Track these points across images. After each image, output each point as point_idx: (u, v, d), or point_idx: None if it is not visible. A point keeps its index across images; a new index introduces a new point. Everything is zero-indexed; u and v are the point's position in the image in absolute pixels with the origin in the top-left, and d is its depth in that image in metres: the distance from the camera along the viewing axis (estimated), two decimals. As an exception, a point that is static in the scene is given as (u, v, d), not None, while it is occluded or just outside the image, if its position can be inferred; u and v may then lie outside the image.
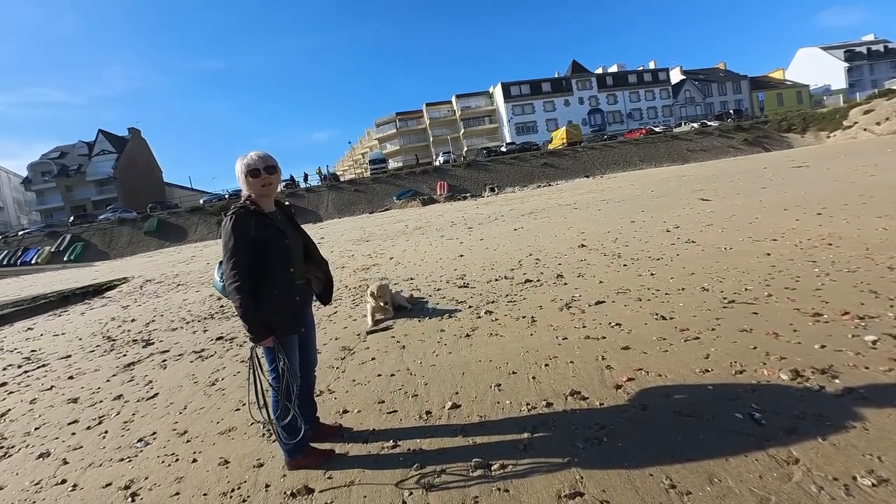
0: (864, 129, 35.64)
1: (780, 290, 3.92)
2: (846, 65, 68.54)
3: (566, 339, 3.54)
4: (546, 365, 3.12)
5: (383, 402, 3.01)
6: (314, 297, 2.63)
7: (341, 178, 47.01)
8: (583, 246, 7.57)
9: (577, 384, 2.78)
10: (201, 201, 42.72)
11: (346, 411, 2.97)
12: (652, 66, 70.25)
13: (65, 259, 35.01)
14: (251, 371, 2.30)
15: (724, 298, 3.91)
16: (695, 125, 48.81)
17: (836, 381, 2.40)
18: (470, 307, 4.97)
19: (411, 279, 7.26)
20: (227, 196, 42.88)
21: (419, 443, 2.45)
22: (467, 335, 4.04)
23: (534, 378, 2.96)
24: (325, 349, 4.38)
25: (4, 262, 36.24)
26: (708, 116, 59.09)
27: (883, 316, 3.11)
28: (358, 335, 4.66)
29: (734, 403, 2.33)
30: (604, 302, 4.33)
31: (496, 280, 6.10)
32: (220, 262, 2.30)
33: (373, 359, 3.87)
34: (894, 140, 25.99)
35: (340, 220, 32.93)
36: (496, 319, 4.35)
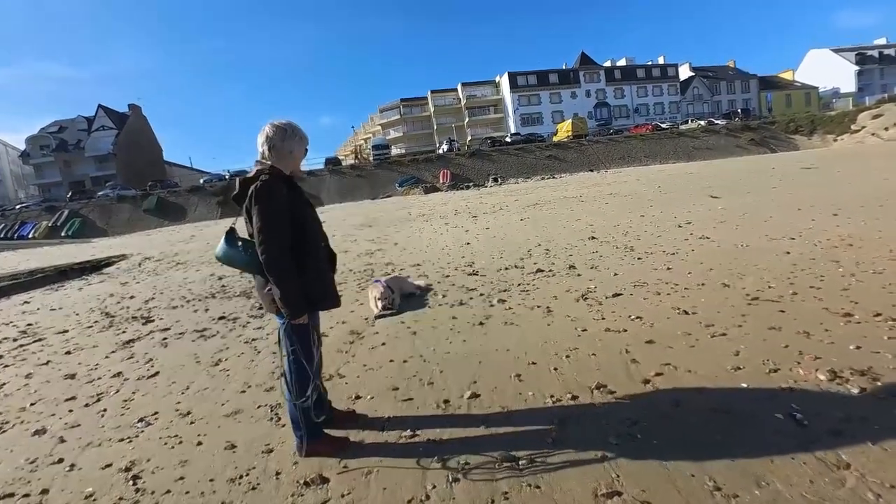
0: (872, 134, 35.37)
1: (805, 289, 3.79)
2: (857, 68, 67.84)
3: (586, 330, 3.42)
4: (567, 356, 3.00)
5: (398, 388, 2.89)
6: None
7: (342, 163, 46.57)
8: (593, 238, 7.43)
9: (602, 377, 2.66)
10: (201, 181, 42.36)
11: (358, 397, 2.85)
12: (661, 61, 69.54)
13: (62, 234, 34.75)
14: (287, 349, 2.16)
15: (748, 295, 3.78)
16: (702, 123, 48.40)
17: (878, 383, 2.28)
18: (482, 295, 4.84)
19: (418, 265, 7.12)
20: (227, 177, 42.49)
21: (439, 433, 2.33)
22: (481, 323, 3.91)
23: (556, 370, 2.84)
24: (333, 332, 4.26)
25: (1, 236, 35.95)
26: (715, 115, 58.53)
27: (918, 318, 2.99)
28: (366, 319, 4.54)
29: (772, 403, 2.21)
30: (621, 294, 4.21)
31: (506, 269, 5.96)
32: (227, 233, 2.16)
33: (383, 344, 3.75)
34: (903, 145, 25.77)
35: (342, 204, 32.69)
36: (510, 308, 4.22)
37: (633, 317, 3.58)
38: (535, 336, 3.45)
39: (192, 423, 2.85)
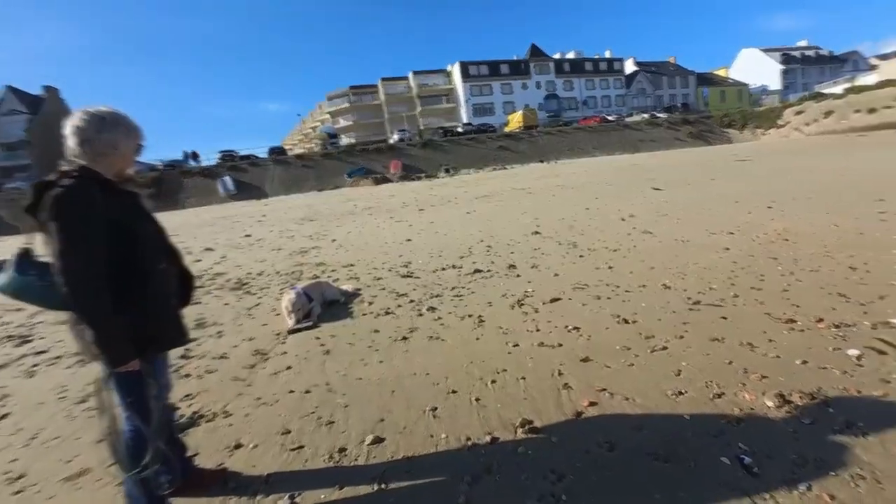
0: (796, 129, 37.96)
1: (746, 291, 3.61)
2: (782, 67, 72.83)
3: (517, 346, 3.03)
4: (493, 382, 2.59)
5: (289, 432, 2.37)
6: None
7: (288, 153, 44.47)
8: (537, 233, 7.14)
9: (529, 409, 2.27)
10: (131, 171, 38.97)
11: (239, 446, 2.31)
12: (608, 55, 71.39)
13: (-35, 231, 30.89)
14: (109, 406, 1.61)
15: (689, 299, 3.55)
16: (645, 116, 50.22)
17: (830, 409, 2.02)
18: (411, 301, 4.37)
19: (351, 266, 6.55)
20: (161, 167, 39.39)
21: (324, 495, 1.85)
22: (404, 338, 3.44)
23: (478, 400, 2.42)
24: (234, 353, 3.65)
25: None
26: (657, 108, 60.99)
27: (859, 324, 2.82)
28: (277, 335, 3.95)
29: (718, 441, 1.89)
30: (559, 299, 3.87)
31: (443, 269, 5.53)
32: (19, 256, 1.56)
33: (288, 368, 3.20)
34: (822, 140, 27.74)
35: (287, 197, 31.12)
36: (439, 318, 3.78)
37: (569, 327, 3.24)
38: (461, 354, 3.02)
39: (18, 491, 2.20)
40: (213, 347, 3.87)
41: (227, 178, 35.56)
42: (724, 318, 3.13)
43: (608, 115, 55.79)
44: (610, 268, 4.68)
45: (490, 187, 18.12)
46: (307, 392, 2.79)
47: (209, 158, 41.35)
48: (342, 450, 2.15)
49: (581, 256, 5.30)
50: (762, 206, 7.30)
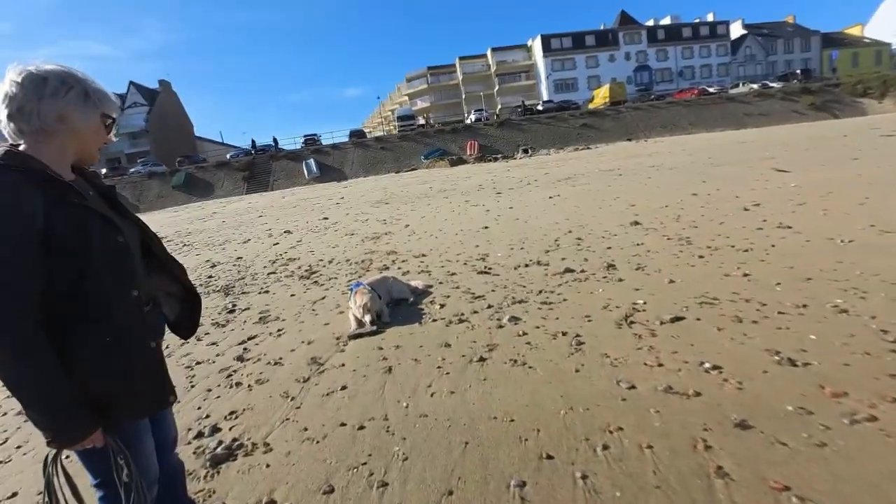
0: (959, 94, 31.04)
1: (978, 322, 2.47)
2: (939, 19, 60.04)
3: (634, 388, 2.25)
4: (605, 447, 1.86)
5: (332, 490, 1.85)
6: (164, 326, 1.46)
7: (367, 135, 45.43)
8: (636, 224, 6.09)
9: (666, 508, 1.52)
10: (228, 156, 42.26)
11: (272, 502, 1.83)
12: (710, 18, 63.65)
13: (97, 210, 35.50)
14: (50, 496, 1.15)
15: (885, 332, 2.49)
16: (754, 86, 44.04)
17: None
18: (489, 307, 3.71)
19: (423, 256, 6.03)
20: (252, 151, 42.26)
21: None
22: (481, 359, 2.80)
23: (584, 479, 1.71)
24: (291, 359, 3.26)
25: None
26: (770, 77, 53.33)
27: None
28: (337, 339, 3.51)
29: None
30: (683, 318, 2.97)
31: (526, 266, 4.78)
32: None
33: (343, 388, 2.71)
34: None
35: (366, 178, 31.75)
36: (524, 334, 3.08)
37: (706, 365, 2.37)
38: (555, 393, 2.31)
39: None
40: (271, 349, 3.53)
41: (311, 161, 37.17)
42: (961, 368, 2.09)
43: (708, 86, 49.89)
44: (745, 276, 3.63)
45: (573, 168, 16.74)
46: (361, 428, 2.26)
47: (295, 143, 43.49)
48: (395, 538, 1.57)
49: (700, 257, 4.26)
50: (948, 192, 5.58)
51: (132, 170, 42.21)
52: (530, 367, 2.59)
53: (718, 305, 3.11)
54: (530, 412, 2.17)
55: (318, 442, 2.20)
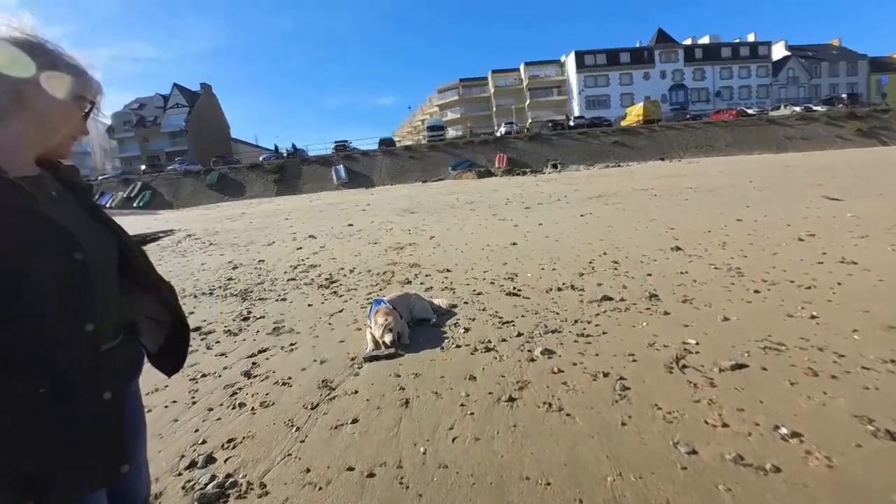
0: None
1: None
2: None
3: (695, 454, 1.88)
4: (665, 535, 1.51)
5: (332, 557, 1.55)
6: (143, 359, 1.19)
7: (397, 144, 45.79)
8: (678, 249, 5.66)
9: None
10: (260, 158, 43.22)
11: (260, 566, 1.55)
12: (751, 38, 62.09)
13: (134, 205, 36.72)
14: None
15: None
16: (797, 109, 42.43)
17: None
18: (520, 335, 3.38)
19: (447, 272, 5.74)
20: (285, 154, 43.17)
21: None
22: (511, 399, 2.47)
23: (643, 579, 1.37)
24: (300, 380, 3.01)
25: (83, 204, 38.74)
26: (813, 100, 51.36)
27: None
28: (352, 361, 3.24)
29: None
30: (746, 366, 2.58)
31: (559, 289, 4.43)
32: None
33: (354, 421, 2.42)
34: None
35: (393, 186, 31.85)
36: (559, 370, 2.74)
37: (783, 430, 1.98)
38: (598, 452, 1.96)
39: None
40: (281, 366, 3.29)
41: (340, 167, 37.64)
42: None
43: (747, 107, 48.35)
44: (813, 317, 3.19)
45: (604, 186, 16.25)
46: (370, 476, 1.96)
47: (326, 148, 44.23)
48: None
49: (756, 292, 3.83)
50: None
51: (169, 167, 43.62)
52: (568, 415, 2.25)
53: (786, 353, 2.70)
54: (570, 474, 1.83)
55: (320, 489, 1.92)
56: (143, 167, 46.02)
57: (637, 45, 60.55)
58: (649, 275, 4.64)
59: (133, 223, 20.42)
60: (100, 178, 44.98)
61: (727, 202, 9.65)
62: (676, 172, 19.56)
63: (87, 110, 1.01)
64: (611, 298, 3.97)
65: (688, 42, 62.28)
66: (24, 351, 0.82)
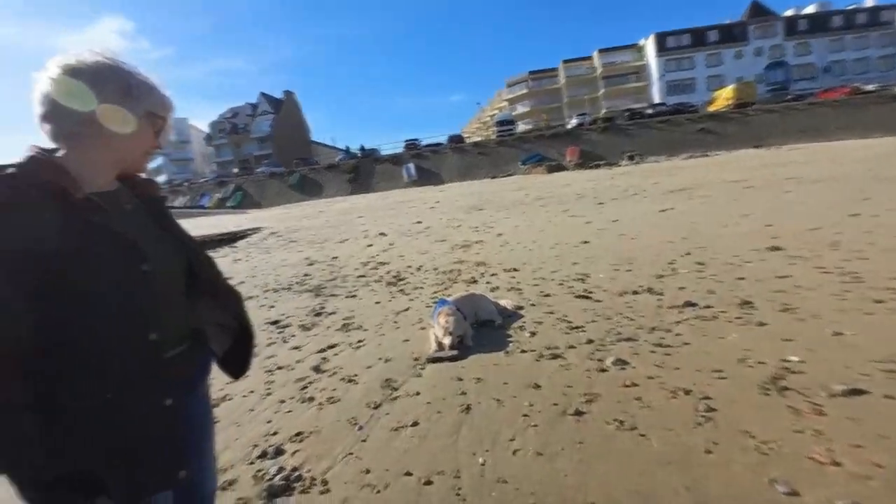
0: None
1: None
2: None
3: (797, 496, 1.62)
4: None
5: (387, 568, 1.54)
6: (210, 364, 1.23)
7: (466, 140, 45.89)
8: (777, 248, 5.03)
9: None
10: (336, 159, 45.56)
11: (319, 568, 1.57)
12: (869, 2, 53.98)
13: (227, 205, 40.38)
14: None
15: None
16: (932, 82, 36.28)
17: None
18: (590, 342, 3.18)
19: (514, 271, 5.60)
20: (359, 154, 45.10)
21: None
22: (577, 413, 2.31)
23: None
24: (365, 377, 3.07)
25: (187, 206, 43.33)
26: (954, 70, 43.53)
27: None
28: (416, 361, 3.25)
29: None
30: (865, 393, 2.19)
31: (634, 293, 4.12)
32: None
33: (414, 423, 2.41)
34: None
35: (461, 183, 31.99)
36: (633, 384, 2.52)
37: (916, 474, 1.65)
38: (675, 482, 1.76)
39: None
40: (348, 362, 3.38)
41: (411, 165, 38.53)
42: None
43: (864, 83, 42.12)
44: (955, 334, 2.65)
45: (688, 178, 15.01)
46: (428, 483, 1.93)
47: (398, 146, 45.44)
48: None
49: (878, 302, 3.26)
50: None
51: (258, 170, 47.45)
52: (642, 435, 2.05)
53: (919, 378, 2.26)
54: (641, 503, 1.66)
55: (378, 491, 1.92)
56: (235, 170, 50.52)
57: (727, 22, 55.18)
58: (741, 278, 4.16)
59: (226, 222, 22.41)
60: (200, 181, 50.08)
61: (839, 195, 8.44)
62: (773, 161, 17.56)
63: (158, 126, 1.05)
64: (694, 304, 3.61)
65: (790, 13, 55.59)
66: (90, 358, 0.86)
